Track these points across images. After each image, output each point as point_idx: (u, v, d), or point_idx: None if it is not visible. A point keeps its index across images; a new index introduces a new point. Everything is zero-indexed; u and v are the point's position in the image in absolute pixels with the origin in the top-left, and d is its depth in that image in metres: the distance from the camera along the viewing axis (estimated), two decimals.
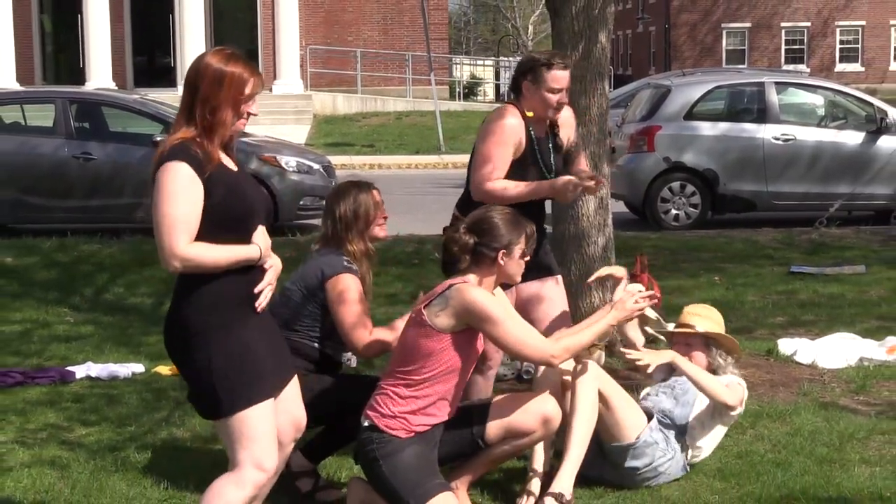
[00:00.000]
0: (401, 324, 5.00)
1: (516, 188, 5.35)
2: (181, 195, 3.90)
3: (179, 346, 4.08)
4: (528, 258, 4.79)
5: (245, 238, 4.07)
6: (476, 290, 4.59)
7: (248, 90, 4.00)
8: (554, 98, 5.38)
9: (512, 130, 5.38)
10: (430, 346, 4.57)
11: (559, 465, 4.90)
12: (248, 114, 4.04)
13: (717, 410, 5.28)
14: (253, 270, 4.08)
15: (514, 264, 4.70)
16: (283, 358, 4.25)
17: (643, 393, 5.49)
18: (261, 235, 4.13)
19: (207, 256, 3.94)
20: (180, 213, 3.90)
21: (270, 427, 4.07)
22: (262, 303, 4.09)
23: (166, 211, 3.90)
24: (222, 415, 4.02)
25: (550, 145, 5.55)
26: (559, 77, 5.37)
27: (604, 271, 5.48)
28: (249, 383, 4.01)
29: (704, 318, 5.51)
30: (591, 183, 5.36)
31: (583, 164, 5.74)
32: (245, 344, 4.03)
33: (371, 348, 5.14)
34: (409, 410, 4.59)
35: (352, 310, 5.10)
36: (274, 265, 4.16)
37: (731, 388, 5.26)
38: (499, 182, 5.36)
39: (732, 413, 5.30)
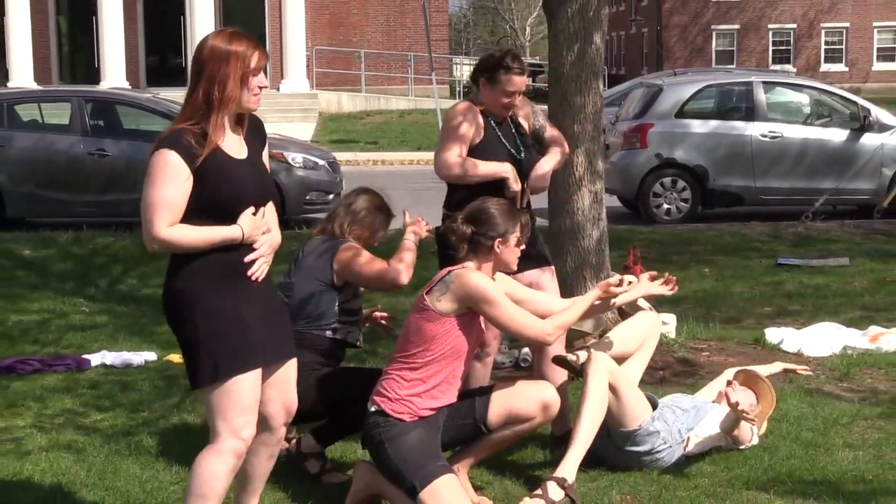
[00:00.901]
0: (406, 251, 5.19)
1: (475, 164, 5.38)
2: (165, 180, 3.87)
3: (172, 314, 4.05)
4: (523, 246, 4.83)
5: (230, 223, 3.98)
6: (475, 274, 4.64)
7: (253, 63, 3.95)
8: (506, 100, 5.42)
9: (463, 116, 5.42)
10: (433, 330, 4.60)
11: (565, 452, 4.91)
12: (259, 87, 3.98)
13: (723, 439, 5.34)
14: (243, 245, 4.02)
15: (510, 252, 4.75)
16: (280, 335, 4.14)
17: (672, 395, 5.60)
18: (247, 217, 3.99)
19: (186, 238, 3.90)
20: (162, 197, 3.86)
21: (252, 398, 4.00)
22: (256, 272, 4.02)
23: (150, 195, 3.88)
24: (203, 383, 3.96)
25: (514, 130, 5.56)
26: (514, 81, 5.39)
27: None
28: (234, 353, 3.94)
29: (767, 386, 5.62)
30: (522, 201, 5.41)
31: (555, 136, 5.70)
32: (232, 312, 3.96)
33: (406, 273, 5.14)
34: (415, 393, 4.60)
35: (368, 262, 5.18)
36: (271, 240, 4.08)
37: (744, 426, 5.30)
38: (461, 159, 5.40)
39: (740, 446, 5.37)
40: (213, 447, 4.00)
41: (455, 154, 5.39)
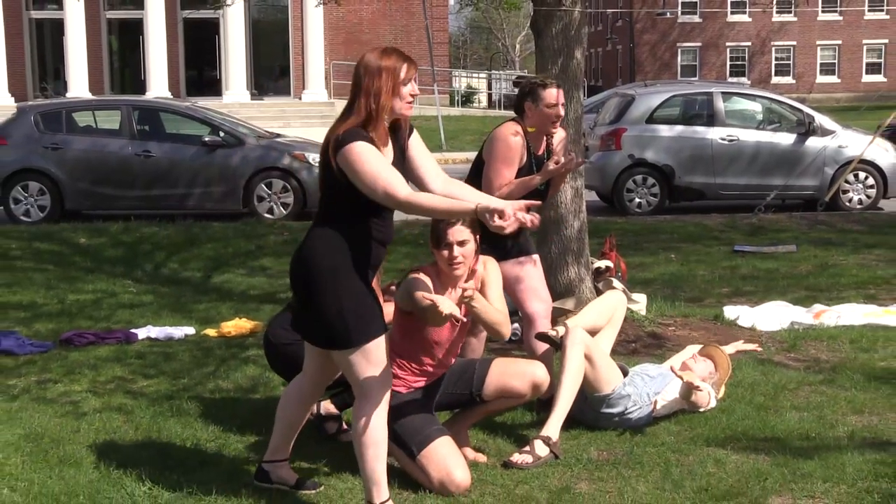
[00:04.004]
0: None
1: (510, 185, 5.26)
2: (373, 157, 3.80)
3: (303, 285, 4.01)
4: (453, 267, 4.48)
5: (378, 217, 3.97)
6: (411, 276, 4.49)
7: (402, 75, 3.90)
8: (552, 112, 5.32)
9: (516, 148, 5.29)
10: (394, 318, 4.60)
11: (548, 415, 4.92)
12: (412, 95, 3.95)
13: (683, 403, 5.32)
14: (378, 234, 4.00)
15: (440, 258, 4.50)
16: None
17: (641, 364, 5.60)
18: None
19: (426, 203, 3.85)
20: (383, 168, 3.80)
21: (386, 355, 4.03)
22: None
23: (370, 170, 3.79)
24: (352, 346, 3.94)
25: (544, 160, 5.48)
26: (554, 94, 5.32)
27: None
28: (368, 322, 3.96)
29: (724, 356, 5.62)
30: (564, 163, 5.25)
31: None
32: (365, 288, 3.98)
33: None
34: (403, 371, 4.58)
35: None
36: None
37: (701, 392, 5.25)
38: (504, 190, 5.26)
39: (700, 409, 5.34)
40: (366, 402, 3.99)
41: (505, 181, 5.27)
